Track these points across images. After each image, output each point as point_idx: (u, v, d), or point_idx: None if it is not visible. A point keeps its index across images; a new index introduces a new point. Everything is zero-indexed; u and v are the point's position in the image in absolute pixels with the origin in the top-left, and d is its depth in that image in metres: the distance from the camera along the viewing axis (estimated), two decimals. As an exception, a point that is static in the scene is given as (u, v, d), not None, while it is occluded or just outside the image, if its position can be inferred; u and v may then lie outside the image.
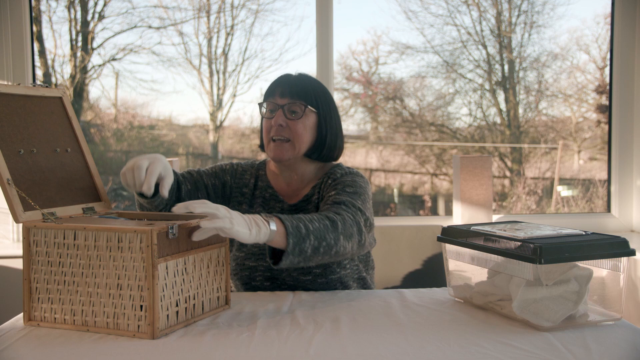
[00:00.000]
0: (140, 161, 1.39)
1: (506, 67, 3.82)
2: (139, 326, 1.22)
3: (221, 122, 3.86)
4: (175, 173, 1.63)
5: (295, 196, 1.70)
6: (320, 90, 1.67)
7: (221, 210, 1.24)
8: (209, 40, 3.73)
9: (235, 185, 1.74)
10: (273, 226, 1.30)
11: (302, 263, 1.37)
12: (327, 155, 1.68)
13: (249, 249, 1.66)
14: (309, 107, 1.62)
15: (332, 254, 1.40)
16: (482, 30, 3.73)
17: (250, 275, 1.65)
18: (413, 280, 2.23)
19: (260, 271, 1.64)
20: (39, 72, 3.47)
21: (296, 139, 1.62)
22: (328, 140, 1.66)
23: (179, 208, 1.23)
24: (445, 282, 1.56)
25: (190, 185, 1.68)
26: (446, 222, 2.60)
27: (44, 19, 3.48)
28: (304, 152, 1.65)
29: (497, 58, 3.79)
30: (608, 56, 3.14)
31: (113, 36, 3.63)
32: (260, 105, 1.67)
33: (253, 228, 1.27)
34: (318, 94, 1.65)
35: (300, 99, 1.62)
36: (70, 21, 3.60)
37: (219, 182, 1.73)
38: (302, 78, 1.67)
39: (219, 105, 3.83)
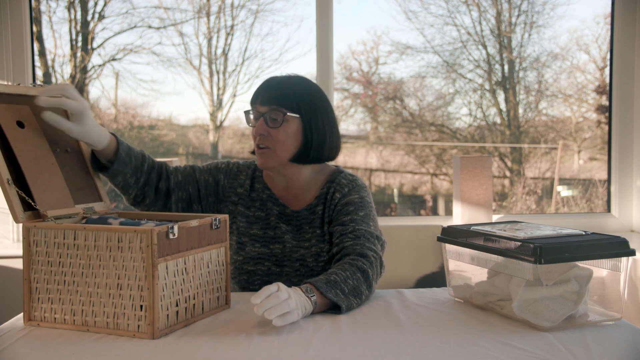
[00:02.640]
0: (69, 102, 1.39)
1: (506, 67, 3.83)
2: (139, 326, 1.22)
3: (221, 122, 3.86)
4: (163, 163, 1.70)
5: (296, 202, 1.69)
6: (304, 92, 1.62)
7: (291, 303, 1.27)
8: (209, 40, 3.73)
9: (229, 185, 1.73)
10: (314, 299, 1.35)
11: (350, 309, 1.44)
12: (315, 158, 1.65)
13: (247, 252, 1.65)
14: (289, 113, 1.59)
15: (364, 299, 1.47)
16: (482, 30, 3.74)
17: (249, 280, 1.65)
18: (413, 280, 2.23)
19: (259, 275, 1.64)
20: (39, 72, 3.47)
21: (278, 147, 1.60)
22: (314, 144, 1.62)
23: (257, 299, 1.25)
24: (445, 282, 1.56)
25: (181, 177, 1.70)
26: (446, 222, 2.60)
27: (44, 19, 3.48)
28: (288, 159, 1.62)
29: (497, 58, 3.79)
30: (608, 56, 3.14)
31: (113, 36, 3.63)
32: (247, 112, 1.65)
33: (302, 312, 1.31)
34: (301, 98, 1.61)
35: (280, 106, 1.59)
36: (70, 21, 3.60)
37: (212, 179, 1.73)
38: (285, 82, 1.63)
39: (219, 105, 3.83)
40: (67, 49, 3.60)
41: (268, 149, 1.60)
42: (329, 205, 1.65)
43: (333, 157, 1.70)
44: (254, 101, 1.63)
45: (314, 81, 1.91)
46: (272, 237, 1.66)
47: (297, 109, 1.60)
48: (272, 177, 1.72)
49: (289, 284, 1.61)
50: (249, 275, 1.64)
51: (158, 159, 1.76)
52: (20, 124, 1.38)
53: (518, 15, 3.76)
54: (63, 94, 1.39)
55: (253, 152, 1.69)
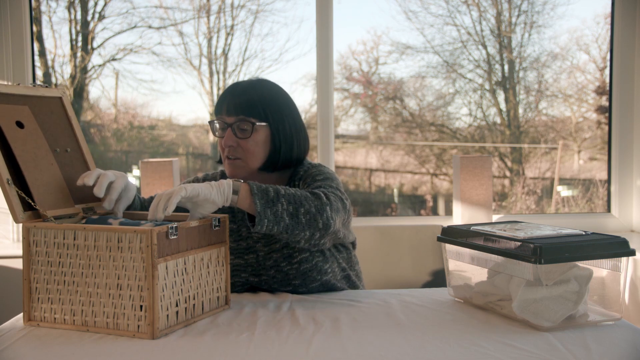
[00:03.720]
0: (107, 173, 1.42)
1: (506, 67, 3.82)
2: (139, 326, 1.22)
3: (221, 122, 3.86)
4: (139, 199, 1.66)
5: None
6: (269, 98, 1.60)
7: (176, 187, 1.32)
8: (209, 40, 3.73)
9: None
10: (237, 186, 1.35)
11: (289, 232, 1.38)
12: (283, 164, 1.63)
13: None
14: (258, 123, 1.57)
15: (320, 227, 1.40)
16: (482, 30, 3.73)
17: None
18: (413, 280, 2.23)
19: (239, 286, 1.63)
20: (39, 72, 3.47)
21: (249, 157, 1.59)
22: (282, 151, 1.61)
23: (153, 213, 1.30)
24: (445, 282, 1.56)
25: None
26: (446, 222, 2.60)
27: (44, 19, 3.48)
28: (258, 167, 1.61)
29: (497, 58, 3.79)
30: (608, 56, 3.14)
31: (113, 36, 3.63)
32: (211, 122, 1.63)
33: (214, 186, 1.33)
34: (266, 104, 1.59)
35: (248, 115, 1.57)
36: (70, 21, 3.60)
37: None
38: (249, 88, 1.60)
39: (219, 105, 3.83)
40: (67, 49, 3.60)
41: (239, 160, 1.59)
42: None
43: (301, 160, 1.68)
44: (218, 110, 1.61)
45: (314, 81, 1.90)
46: (245, 247, 1.65)
47: (264, 117, 1.58)
48: None
49: (271, 290, 1.61)
50: None
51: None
52: (19, 124, 1.38)
53: (518, 15, 3.76)
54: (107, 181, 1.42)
55: (219, 162, 1.68)
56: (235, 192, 1.35)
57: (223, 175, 1.77)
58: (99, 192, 1.38)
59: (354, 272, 1.73)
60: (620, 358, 1.11)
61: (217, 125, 1.61)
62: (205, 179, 1.78)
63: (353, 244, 1.75)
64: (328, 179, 1.57)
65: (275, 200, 1.35)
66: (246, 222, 1.65)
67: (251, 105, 1.57)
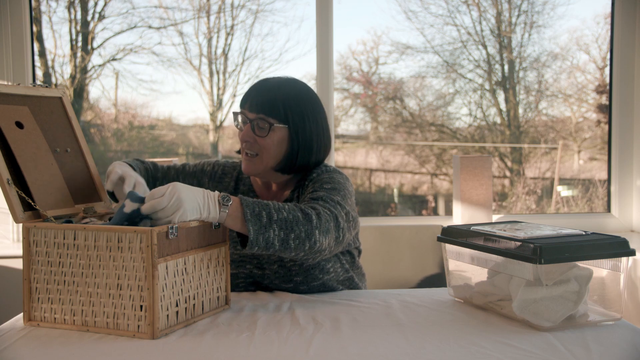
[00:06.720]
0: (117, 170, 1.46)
1: (506, 67, 3.82)
2: (139, 326, 1.22)
3: (221, 122, 3.86)
4: (147, 169, 1.71)
5: (274, 199, 1.68)
6: (293, 100, 1.59)
7: (165, 202, 1.25)
8: (209, 40, 3.73)
9: (213, 188, 1.74)
10: (224, 210, 1.31)
11: (277, 253, 1.37)
12: (300, 167, 1.63)
13: (230, 255, 1.65)
14: (276, 124, 1.57)
15: (306, 249, 1.38)
16: (482, 30, 3.73)
17: (232, 282, 1.64)
18: (413, 280, 2.23)
19: (242, 278, 1.63)
20: (39, 72, 3.47)
21: (264, 153, 1.58)
22: (300, 155, 1.60)
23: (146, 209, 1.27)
24: (445, 282, 1.56)
25: (166, 182, 1.71)
26: (446, 222, 2.60)
27: (44, 19, 3.48)
28: (272, 166, 1.61)
29: (497, 58, 3.79)
30: (608, 56, 3.14)
31: (113, 36, 3.63)
32: (235, 114, 1.64)
33: (204, 213, 1.30)
34: (289, 106, 1.58)
35: (268, 115, 1.57)
36: (70, 21, 3.60)
37: (197, 182, 1.75)
38: (275, 88, 1.60)
39: (219, 105, 3.83)
40: (67, 49, 3.60)
41: (254, 156, 1.60)
42: (301, 194, 1.63)
43: (319, 163, 1.67)
44: (243, 104, 1.62)
45: (314, 81, 1.90)
46: None
47: (284, 119, 1.58)
48: (257, 179, 1.73)
49: (273, 285, 1.61)
50: (231, 278, 1.64)
51: (155, 160, 1.77)
52: (19, 125, 1.38)
53: (518, 15, 3.76)
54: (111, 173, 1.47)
55: (239, 152, 1.70)
56: (223, 209, 1.32)
57: (241, 171, 1.77)
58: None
59: (357, 275, 1.73)
60: (620, 358, 1.11)
61: (240, 119, 1.63)
62: (224, 167, 1.78)
63: (358, 250, 1.75)
64: (334, 190, 1.53)
65: (267, 227, 1.32)
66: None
67: (273, 105, 1.57)
